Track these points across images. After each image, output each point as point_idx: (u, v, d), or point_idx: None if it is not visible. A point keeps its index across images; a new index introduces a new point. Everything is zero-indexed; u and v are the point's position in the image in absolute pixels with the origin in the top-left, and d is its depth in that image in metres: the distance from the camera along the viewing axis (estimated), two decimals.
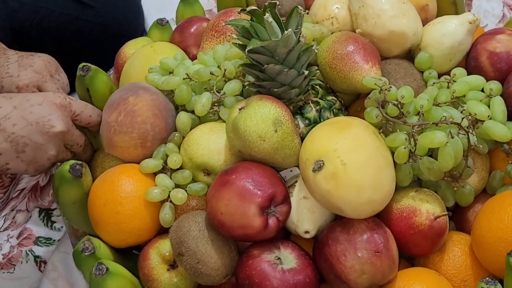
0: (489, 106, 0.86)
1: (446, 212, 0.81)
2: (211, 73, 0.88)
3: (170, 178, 0.87)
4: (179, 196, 0.85)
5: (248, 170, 0.80)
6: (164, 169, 0.87)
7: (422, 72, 0.93)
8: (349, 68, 0.88)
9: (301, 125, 0.85)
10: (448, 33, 0.92)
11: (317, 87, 0.88)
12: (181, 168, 0.87)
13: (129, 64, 0.99)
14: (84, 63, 0.97)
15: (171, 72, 0.93)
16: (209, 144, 0.85)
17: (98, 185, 0.87)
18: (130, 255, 0.90)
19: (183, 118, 0.88)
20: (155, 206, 0.86)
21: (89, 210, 0.87)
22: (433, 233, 0.80)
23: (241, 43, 0.81)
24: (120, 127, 0.86)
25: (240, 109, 0.82)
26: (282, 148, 0.81)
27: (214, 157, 0.85)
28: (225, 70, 0.89)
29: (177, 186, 0.86)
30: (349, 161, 0.76)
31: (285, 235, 0.87)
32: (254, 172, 0.80)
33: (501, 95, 0.88)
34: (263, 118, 0.79)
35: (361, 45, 0.89)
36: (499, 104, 0.86)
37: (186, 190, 0.86)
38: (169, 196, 0.86)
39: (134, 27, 1.35)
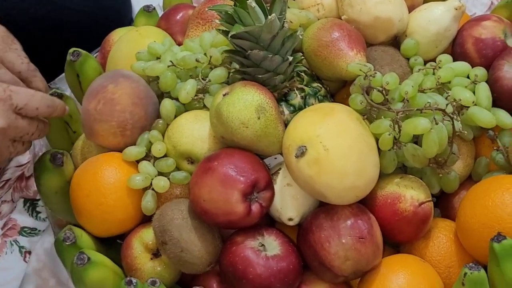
0: (474, 93, 0.86)
1: (430, 199, 0.81)
2: (197, 60, 0.88)
3: (153, 165, 0.86)
4: (161, 184, 0.84)
5: (230, 157, 0.79)
6: (148, 156, 0.87)
7: (408, 59, 0.93)
8: (334, 55, 0.87)
9: (286, 111, 0.84)
10: (434, 19, 0.92)
11: (302, 73, 0.87)
12: (165, 156, 0.86)
13: (115, 49, 0.98)
14: (74, 48, 0.96)
15: (158, 57, 0.92)
16: (193, 132, 0.84)
17: (80, 175, 0.86)
18: (113, 244, 0.90)
19: (167, 105, 0.87)
20: (139, 195, 0.85)
21: (72, 200, 0.87)
22: (417, 219, 0.80)
23: (225, 29, 0.81)
24: (99, 115, 0.85)
25: (224, 95, 0.82)
26: (266, 135, 0.80)
27: (197, 145, 0.84)
28: (210, 57, 0.88)
29: (160, 174, 0.86)
30: (332, 146, 0.76)
31: (270, 222, 0.87)
32: (237, 158, 0.79)
33: (486, 81, 0.88)
34: (246, 104, 0.79)
35: (346, 32, 0.88)
36: (484, 90, 0.86)
37: (169, 178, 0.85)
38: (151, 183, 0.85)
39: (122, 15, 1.33)
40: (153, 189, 0.85)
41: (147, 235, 0.85)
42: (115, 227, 0.86)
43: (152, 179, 0.85)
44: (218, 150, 0.83)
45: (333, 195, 0.77)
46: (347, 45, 0.87)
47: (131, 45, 0.95)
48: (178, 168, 0.86)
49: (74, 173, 0.87)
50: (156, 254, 0.85)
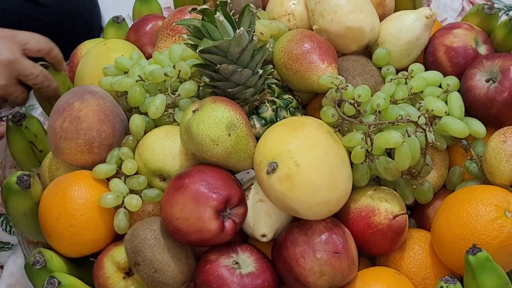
0: (446, 102, 0.85)
1: (404, 211, 0.80)
2: (165, 74, 0.86)
3: (125, 183, 0.84)
4: (133, 202, 0.83)
5: (201, 173, 0.78)
6: (118, 173, 0.85)
7: (380, 68, 0.92)
8: (305, 68, 0.86)
9: (257, 125, 0.83)
10: (405, 28, 0.91)
11: (273, 86, 0.86)
12: (136, 173, 0.85)
13: (83, 63, 0.96)
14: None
15: (126, 72, 0.90)
16: (164, 149, 0.83)
17: (49, 196, 0.84)
18: (86, 264, 0.88)
19: (137, 121, 0.86)
20: (110, 213, 0.84)
21: (41, 223, 0.85)
22: (392, 232, 0.80)
23: (193, 43, 0.79)
24: (65, 133, 0.84)
25: (194, 111, 0.80)
26: (236, 151, 0.79)
27: (169, 162, 0.83)
28: (179, 71, 0.87)
29: (131, 191, 0.84)
30: (303, 161, 0.75)
31: (243, 238, 0.85)
32: (208, 175, 0.78)
33: (458, 90, 0.87)
34: (216, 121, 0.77)
35: (316, 44, 0.87)
36: (456, 100, 0.85)
37: (141, 196, 0.83)
38: (123, 202, 0.83)
39: (90, 25, 1.32)
40: (125, 207, 0.83)
41: (118, 254, 0.83)
42: (87, 248, 0.84)
43: (124, 197, 0.83)
44: (189, 167, 0.81)
45: (305, 210, 0.76)
46: (318, 57, 0.86)
47: (98, 60, 0.93)
48: (150, 185, 0.85)
49: (43, 194, 0.85)
50: (128, 273, 0.83)
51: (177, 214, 0.77)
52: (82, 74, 0.95)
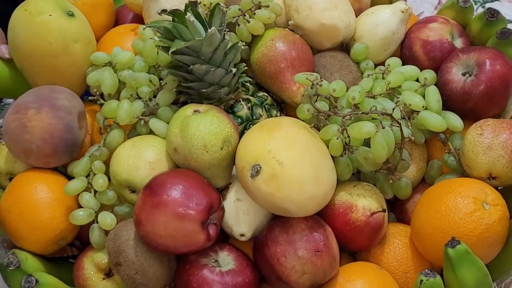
0: (424, 96, 0.85)
1: (382, 208, 0.80)
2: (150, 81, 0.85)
3: (94, 197, 0.83)
4: (107, 221, 0.81)
5: (177, 185, 0.76)
6: (89, 184, 0.83)
7: (358, 64, 0.92)
8: (278, 87, 0.87)
9: None
10: (381, 23, 0.91)
11: (247, 84, 0.86)
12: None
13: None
14: None
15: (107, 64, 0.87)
16: (128, 159, 0.81)
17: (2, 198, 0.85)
18: (65, 264, 0.88)
19: (115, 134, 0.85)
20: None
21: (2, 226, 0.85)
22: (369, 229, 0.79)
23: (165, 45, 0.79)
24: (10, 131, 0.83)
25: (195, 111, 0.80)
26: (218, 166, 0.79)
27: (133, 173, 0.80)
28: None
29: (102, 206, 0.83)
30: (285, 159, 0.75)
31: (225, 237, 0.85)
32: (185, 185, 0.76)
33: (435, 84, 0.87)
34: (217, 131, 0.77)
35: (289, 62, 0.86)
36: (433, 94, 0.85)
37: (113, 211, 0.83)
38: (96, 218, 0.82)
39: None
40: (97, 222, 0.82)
41: (98, 255, 0.83)
42: (48, 231, 0.83)
43: (96, 212, 0.82)
44: (159, 177, 0.78)
45: (295, 208, 0.76)
46: (290, 77, 0.85)
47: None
48: (121, 196, 0.83)
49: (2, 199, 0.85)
50: (108, 274, 0.83)
51: (161, 233, 0.75)
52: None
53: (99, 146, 0.85)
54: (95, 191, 0.83)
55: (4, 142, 0.86)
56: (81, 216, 0.81)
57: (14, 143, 0.83)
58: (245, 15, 0.87)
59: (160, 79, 0.87)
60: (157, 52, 0.85)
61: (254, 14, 0.87)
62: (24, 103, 0.84)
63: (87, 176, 0.84)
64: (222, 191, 0.82)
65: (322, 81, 0.81)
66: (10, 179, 0.87)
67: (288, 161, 0.75)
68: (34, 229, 0.82)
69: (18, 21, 0.87)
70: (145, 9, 0.93)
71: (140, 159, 0.80)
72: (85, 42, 0.89)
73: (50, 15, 0.85)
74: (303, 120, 0.82)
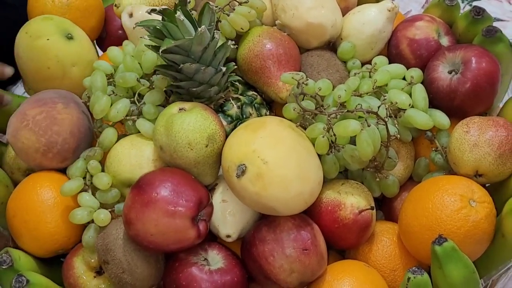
0: (410, 94, 0.86)
1: (370, 206, 0.80)
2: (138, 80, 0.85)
3: (94, 196, 0.83)
4: (101, 217, 0.81)
5: (165, 182, 0.76)
6: (85, 185, 0.83)
7: (345, 62, 0.92)
8: (263, 82, 0.87)
9: (224, 123, 0.83)
10: (368, 21, 0.92)
11: (237, 83, 0.86)
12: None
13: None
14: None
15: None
16: (130, 159, 0.82)
17: (10, 198, 0.85)
18: (58, 264, 0.87)
19: (110, 135, 0.84)
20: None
21: (7, 223, 0.85)
22: (357, 227, 0.80)
23: (154, 44, 0.79)
24: (34, 124, 0.82)
25: (180, 109, 0.80)
26: (204, 164, 0.79)
27: (136, 172, 0.81)
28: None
29: (102, 205, 0.83)
30: (270, 158, 0.75)
31: (213, 237, 0.85)
32: (173, 182, 0.76)
33: (422, 82, 0.88)
34: (201, 128, 0.77)
35: (276, 57, 0.86)
36: (420, 92, 0.86)
37: (113, 209, 0.82)
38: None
39: None
40: (95, 223, 0.82)
41: (88, 253, 0.82)
42: (48, 243, 0.83)
43: (95, 211, 0.82)
44: (146, 176, 0.78)
45: (282, 206, 0.76)
46: (277, 72, 0.86)
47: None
48: (122, 196, 0.83)
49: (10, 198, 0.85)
50: (99, 272, 0.83)
51: (152, 231, 0.75)
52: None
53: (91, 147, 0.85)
54: (93, 190, 0.83)
55: (11, 135, 0.84)
56: (80, 215, 0.81)
57: (37, 135, 0.82)
58: (224, 11, 0.87)
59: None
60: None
61: (234, 9, 0.87)
62: (48, 98, 0.84)
63: (84, 177, 0.83)
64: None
65: (307, 80, 0.82)
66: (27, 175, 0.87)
67: (273, 160, 0.75)
68: (35, 239, 0.83)
69: (20, 43, 0.89)
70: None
71: (143, 157, 0.82)
72: (83, 65, 0.90)
73: (48, 39, 0.87)
74: (289, 119, 0.82)
